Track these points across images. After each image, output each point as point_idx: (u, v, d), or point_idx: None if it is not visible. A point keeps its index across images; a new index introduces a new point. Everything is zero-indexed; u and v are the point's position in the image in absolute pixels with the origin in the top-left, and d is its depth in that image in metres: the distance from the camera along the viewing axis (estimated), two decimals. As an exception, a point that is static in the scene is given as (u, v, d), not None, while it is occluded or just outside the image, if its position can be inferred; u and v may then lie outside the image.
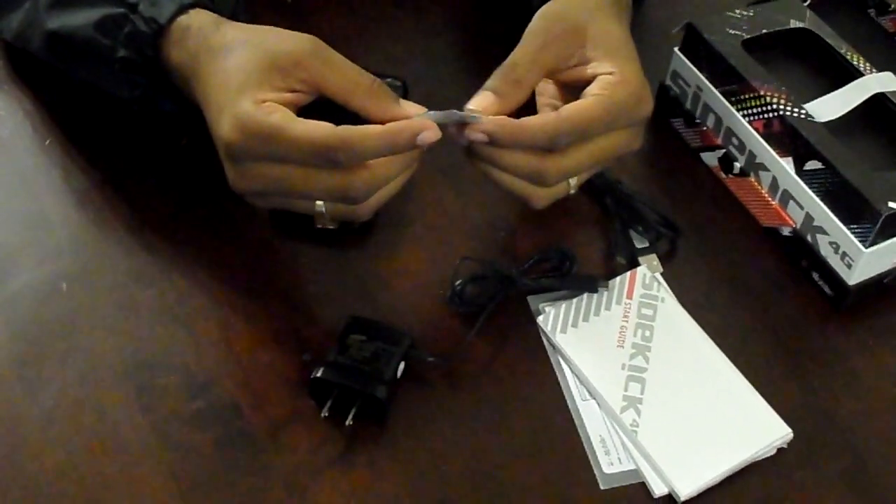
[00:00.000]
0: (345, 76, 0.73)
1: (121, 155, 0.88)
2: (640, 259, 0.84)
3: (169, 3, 0.77)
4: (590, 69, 0.78)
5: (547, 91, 0.84)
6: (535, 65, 0.76)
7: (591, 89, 0.76)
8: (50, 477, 0.71)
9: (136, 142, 0.89)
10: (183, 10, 0.77)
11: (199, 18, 0.77)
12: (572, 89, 0.79)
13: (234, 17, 0.79)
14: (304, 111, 0.73)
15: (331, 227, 0.79)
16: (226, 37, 0.75)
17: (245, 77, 0.72)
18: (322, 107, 0.75)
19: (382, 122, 0.73)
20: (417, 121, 0.72)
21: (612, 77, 0.76)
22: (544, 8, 0.79)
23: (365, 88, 0.73)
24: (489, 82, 0.76)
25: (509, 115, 0.75)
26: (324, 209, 0.75)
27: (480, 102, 0.75)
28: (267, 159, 0.71)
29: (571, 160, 0.76)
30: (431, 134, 0.71)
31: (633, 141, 0.80)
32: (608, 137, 0.77)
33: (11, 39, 0.89)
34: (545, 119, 0.75)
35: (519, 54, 0.76)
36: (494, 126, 0.73)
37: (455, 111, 0.74)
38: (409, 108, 0.74)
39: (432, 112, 0.73)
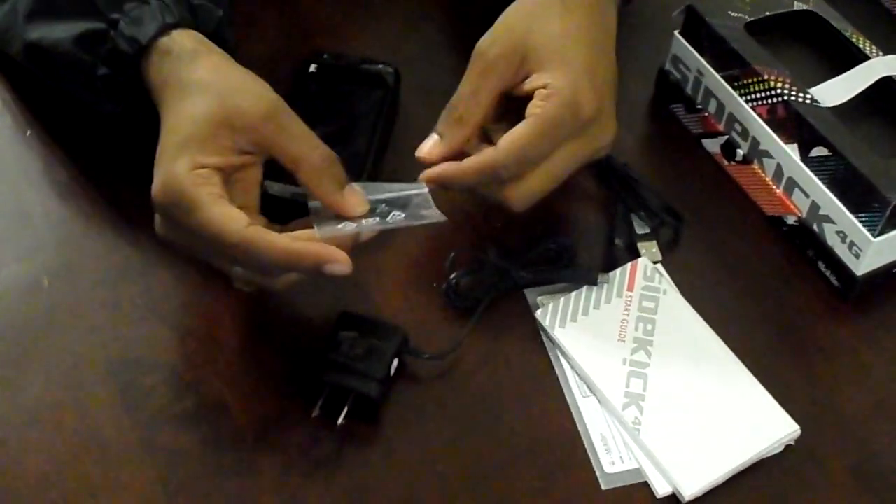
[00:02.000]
0: (296, 148, 0.72)
1: (104, 147, 0.87)
2: (640, 245, 0.83)
3: (151, 22, 0.75)
4: (528, 84, 0.77)
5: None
6: (475, 99, 0.76)
7: (528, 110, 0.76)
8: (31, 481, 0.70)
9: (119, 134, 0.87)
10: (165, 30, 0.75)
11: (180, 43, 0.75)
12: None
13: (218, 32, 0.78)
14: None
15: (247, 290, 0.77)
16: (193, 76, 0.73)
17: (193, 130, 0.71)
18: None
19: (324, 204, 0.72)
20: (327, 250, 0.69)
21: (544, 91, 0.76)
22: (493, 27, 0.78)
23: (312, 167, 0.72)
24: (437, 125, 0.77)
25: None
26: (239, 273, 0.74)
27: (427, 149, 0.76)
28: (182, 226, 0.70)
29: (533, 182, 0.77)
30: (340, 268, 0.69)
31: (596, 141, 0.79)
32: (564, 149, 0.77)
33: None
34: (481, 158, 0.75)
35: (460, 91, 0.77)
36: (437, 175, 0.75)
37: (398, 214, 0.73)
38: (350, 199, 0.72)
39: (324, 228, 0.71)
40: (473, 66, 0.77)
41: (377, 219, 0.72)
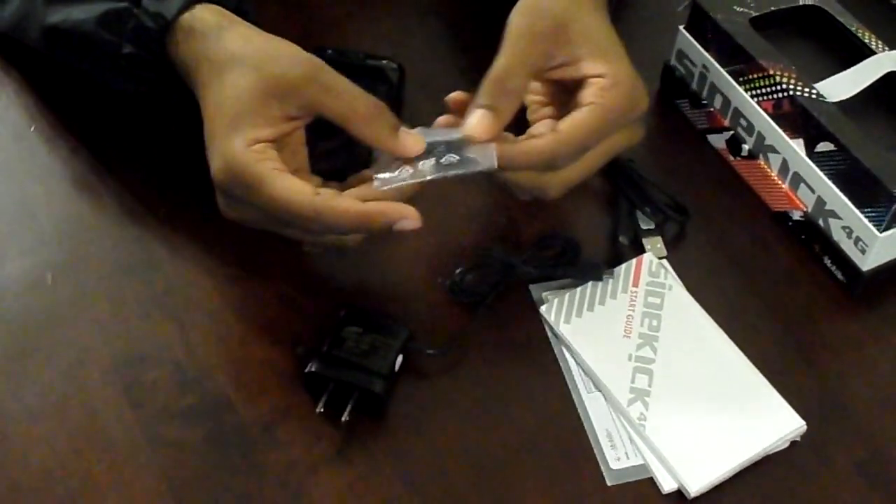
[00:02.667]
0: (343, 102, 0.72)
1: (108, 142, 0.86)
2: (645, 241, 0.83)
3: None
4: (578, 69, 0.76)
5: (533, 88, 0.81)
6: (524, 69, 0.74)
7: (585, 97, 0.75)
8: (35, 477, 0.69)
9: (124, 129, 0.87)
10: (190, 4, 0.75)
11: (202, 18, 0.75)
12: (561, 87, 0.78)
13: (240, 7, 0.78)
14: None
15: (317, 251, 0.78)
16: (226, 50, 0.73)
17: (240, 107, 0.71)
18: None
19: (381, 149, 0.72)
20: (396, 208, 0.70)
21: (604, 81, 0.75)
22: (520, 6, 0.76)
23: (362, 116, 0.72)
24: (482, 98, 0.73)
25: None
26: (309, 237, 0.75)
27: (479, 126, 0.72)
28: (249, 202, 0.71)
29: (573, 171, 0.76)
30: (411, 223, 0.70)
31: (633, 136, 0.79)
32: (607, 141, 0.76)
33: (6, 31, 0.87)
34: (543, 143, 0.73)
35: (507, 61, 0.74)
36: (499, 156, 0.72)
37: (453, 156, 0.72)
38: (407, 139, 0.72)
39: (382, 175, 0.71)
40: (517, 38, 0.74)
41: (433, 160, 0.71)
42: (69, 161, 0.85)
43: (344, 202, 0.70)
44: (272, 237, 0.80)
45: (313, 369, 0.72)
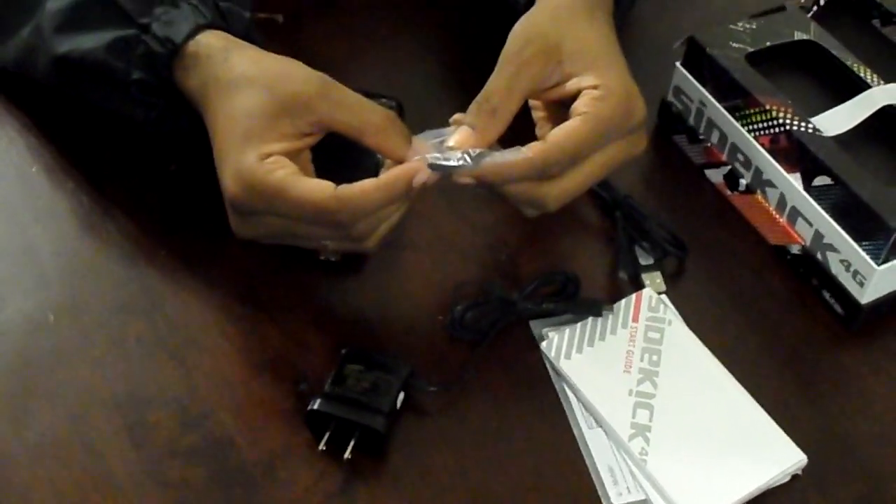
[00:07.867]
0: (354, 116, 0.73)
1: (110, 182, 0.86)
2: (644, 276, 0.83)
3: (184, 22, 0.76)
4: (571, 85, 0.76)
5: (538, 106, 0.82)
6: (510, 93, 0.75)
7: (577, 107, 0.75)
8: (38, 518, 0.69)
9: (125, 169, 0.87)
10: (199, 29, 0.76)
11: (208, 44, 0.76)
12: (559, 105, 0.78)
13: (248, 35, 0.78)
14: None
15: (333, 259, 0.79)
16: (233, 71, 0.74)
17: (250, 125, 0.72)
18: None
19: (394, 160, 0.73)
20: (407, 168, 0.71)
21: (597, 92, 0.75)
22: (515, 29, 0.77)
23: (375, 128, 0.72)
24: (466, 117, 0.75)
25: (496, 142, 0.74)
26: (328, 243, 0.75)
27: (459, 140, 0.74)
28: (269, 214, 0.71)
29: (570, 182, 0.75)
30: (423, 175, 0.71)
31: (634, 147, 0.78)
32: (605, 152, 0.76)
33: (11, 67, 0.87)
34: (531, 152, 0.73)
35: (493, 84, 0.75)
36: (480, 171, 0.73)
37: (450, 154, 0.73)
38: (420, 148, 0.73)
39: (431, 156, 0.73)
40: (506, 63, 0.75)
41: (466, 158, 0.73)
42: (71, 201, 0.85)
43: (363, 183, 0.70)
44: (272, 278, 0.81)
45: (315, 407, 0.71)
